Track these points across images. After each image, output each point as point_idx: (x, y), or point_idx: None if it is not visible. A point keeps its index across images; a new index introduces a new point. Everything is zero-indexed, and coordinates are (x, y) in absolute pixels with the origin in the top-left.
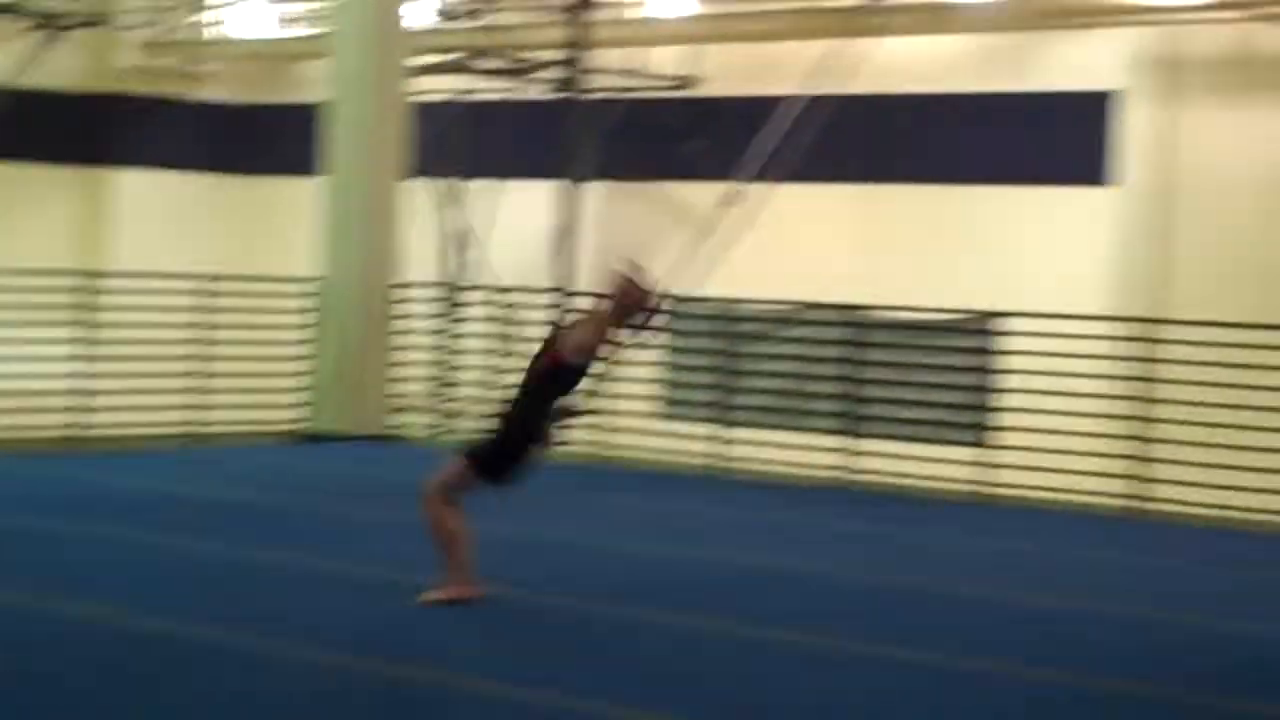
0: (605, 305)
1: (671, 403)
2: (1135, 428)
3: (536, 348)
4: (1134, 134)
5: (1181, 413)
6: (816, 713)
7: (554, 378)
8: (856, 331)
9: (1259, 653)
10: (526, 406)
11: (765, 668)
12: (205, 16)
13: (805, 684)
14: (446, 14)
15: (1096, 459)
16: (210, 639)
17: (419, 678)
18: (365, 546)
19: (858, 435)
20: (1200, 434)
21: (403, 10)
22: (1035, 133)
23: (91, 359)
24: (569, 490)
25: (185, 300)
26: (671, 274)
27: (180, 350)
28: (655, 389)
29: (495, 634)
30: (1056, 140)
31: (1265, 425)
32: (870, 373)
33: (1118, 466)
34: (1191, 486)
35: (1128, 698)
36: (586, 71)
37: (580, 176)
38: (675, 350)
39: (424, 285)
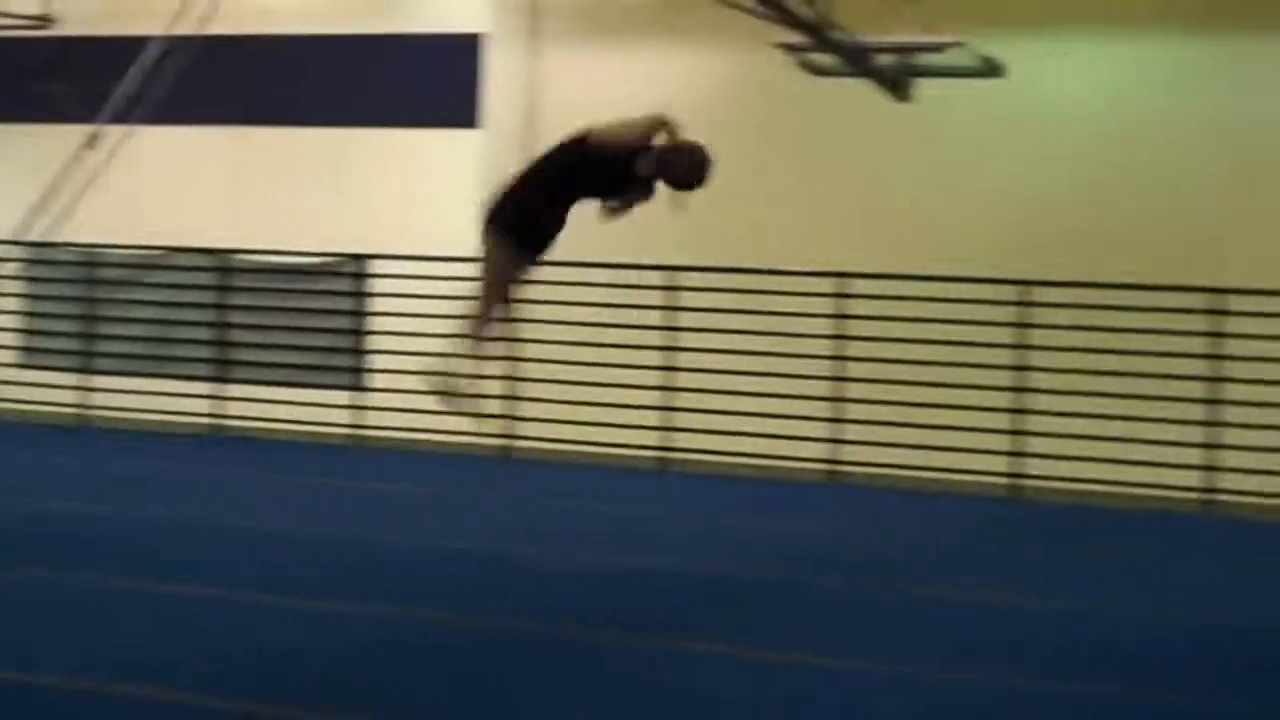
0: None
1: (31, 350)
2: (505, 368)
3: None
4: (499, 77)
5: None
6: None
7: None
8: (225, 276)
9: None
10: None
11: (128, 616)
12: None
13: (149, 631)
14: None
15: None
16: None
17: None
18: None
19: (228, 381)
20: (560, 371)
21: None
22: (404, 75)
23: None
24: None
25: None
26: (30, 219)
27: None
28: (13, 338)
29: None
30: (425, 83)
31: (623, 361)
32: (240, 318)
33: (493, 406)
34: (553, 424)
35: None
36: None
37: None
38: (34, 298)
39: None
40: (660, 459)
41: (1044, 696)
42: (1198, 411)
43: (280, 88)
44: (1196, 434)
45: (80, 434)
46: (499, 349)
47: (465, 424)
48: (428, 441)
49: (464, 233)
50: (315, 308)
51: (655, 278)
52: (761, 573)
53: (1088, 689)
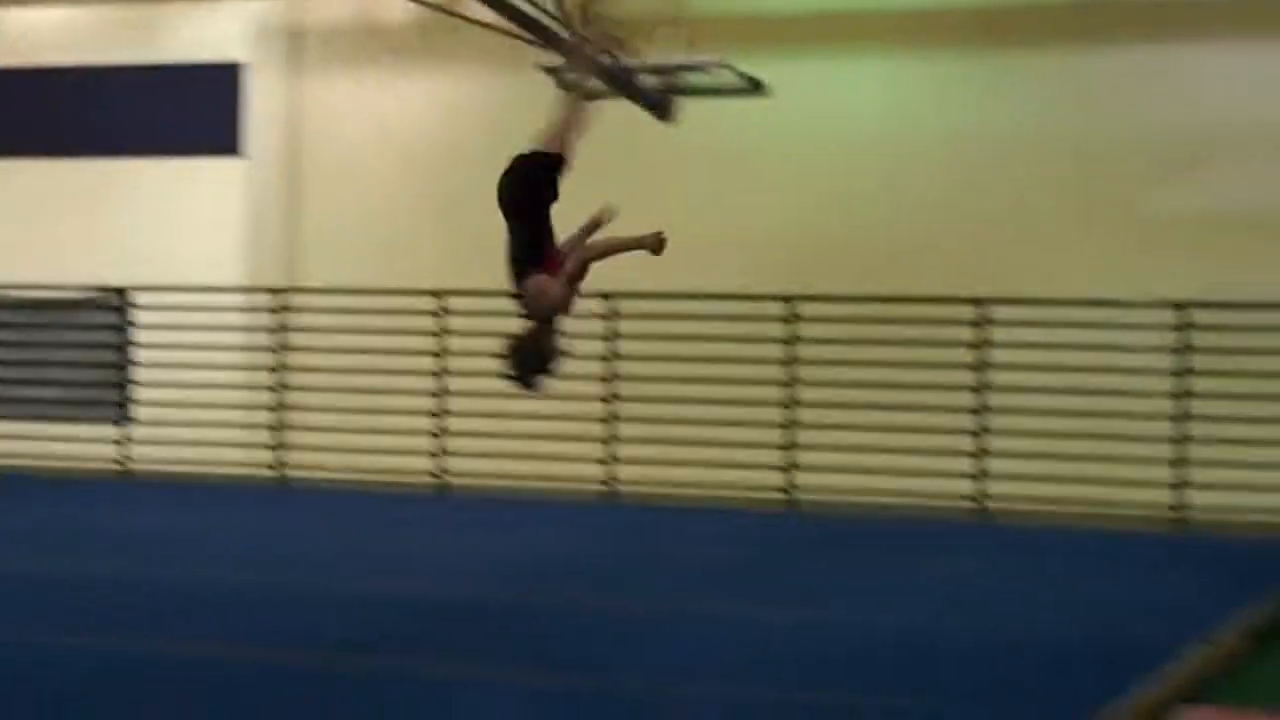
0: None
1: None
2: (276, 396)
3: None
4: (261, 104)
5: (320, 380)
6: None
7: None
8: None
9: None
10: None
11: None
12: None
13: None
14: None
15: (239, 429)
16: None
17: None
18: None
19: None
20: (333, 399)
21: None
22: (167, 104)
23: None
24: None
25: None
26: None
27: None
28: None
29: None
30: (189, 111)
31: (394, 388)
32: (3, 353)
33: (261, 437)
34: (326, 452)
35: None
36: None
37: None
38: None
39: None
40: (438, 483)
41: (787, 708)
42: (967, 420)
43: (38, 119)
44: (966, 442)
45: None
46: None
47: (235, 454)
48: (197, 474)
49: (229, 261)
50: (77, 341)
51: (426, 303)
52: (528, 593)
53: (831, 699)
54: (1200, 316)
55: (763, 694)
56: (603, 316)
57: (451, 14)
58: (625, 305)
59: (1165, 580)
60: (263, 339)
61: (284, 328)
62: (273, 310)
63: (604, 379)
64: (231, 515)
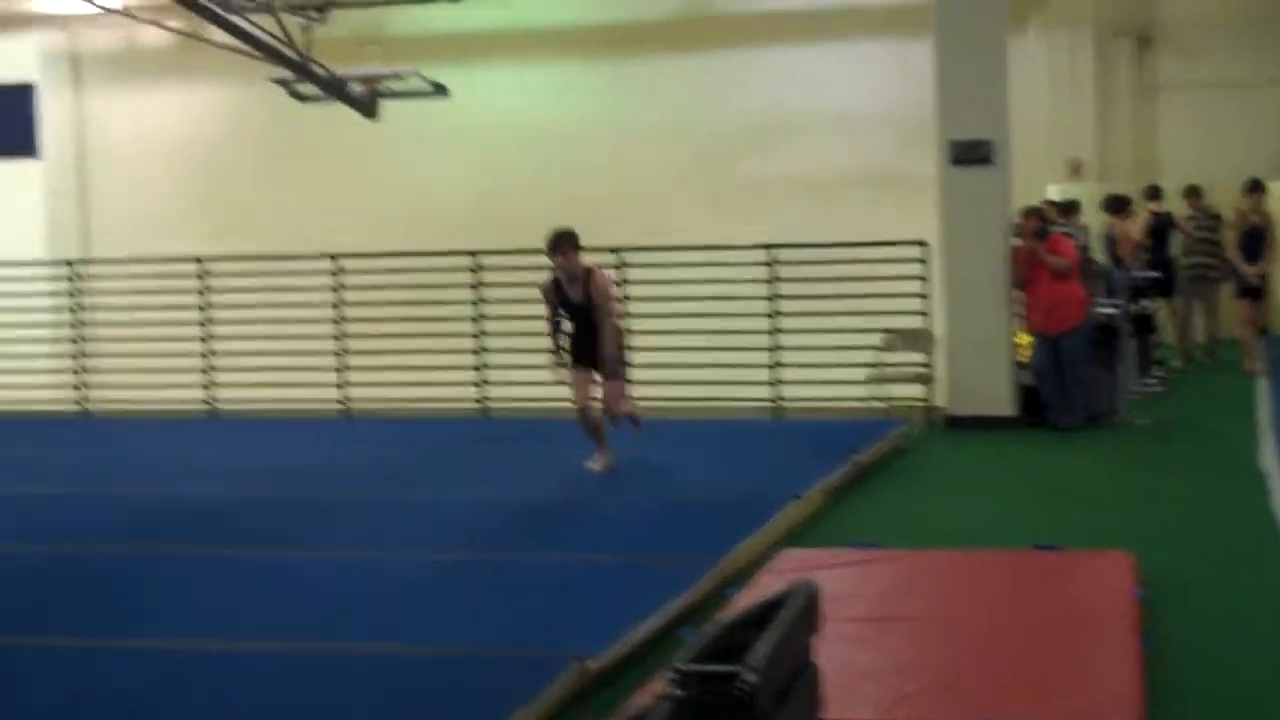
0: None
1: None
2: (76, 347)
3: None
4: (52, 115)
5: (114, 331)
6: None
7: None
8: None
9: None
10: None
11: None
12: None
13: None
14: None
15: (46, 374)
16: None
17: None
18: None
19: None
20: (122, 346)
21: None
22: None
23: None
24: None
25: None
26: None
27: None
28: None
29: None
30: None
31: (171, 336)
32: None
33: (64, 379)
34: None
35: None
36: None
37: None
38: None
39: None
40: (209, 409)
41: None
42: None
43: None
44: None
45: None
46: None
47: (43, 394)
48: (10, 410)
49: (33, 239)
50: None
51: (191, 269)
52: (288, 492)
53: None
54: (784, 255)
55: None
56: (331, 274)
57: (199, 39)
58: (349, 264)
59: (765, 455)
60: (63, 301)
61: (79, 292)
62: (70, 279)
63: (335, 322)
64: (42, 442)
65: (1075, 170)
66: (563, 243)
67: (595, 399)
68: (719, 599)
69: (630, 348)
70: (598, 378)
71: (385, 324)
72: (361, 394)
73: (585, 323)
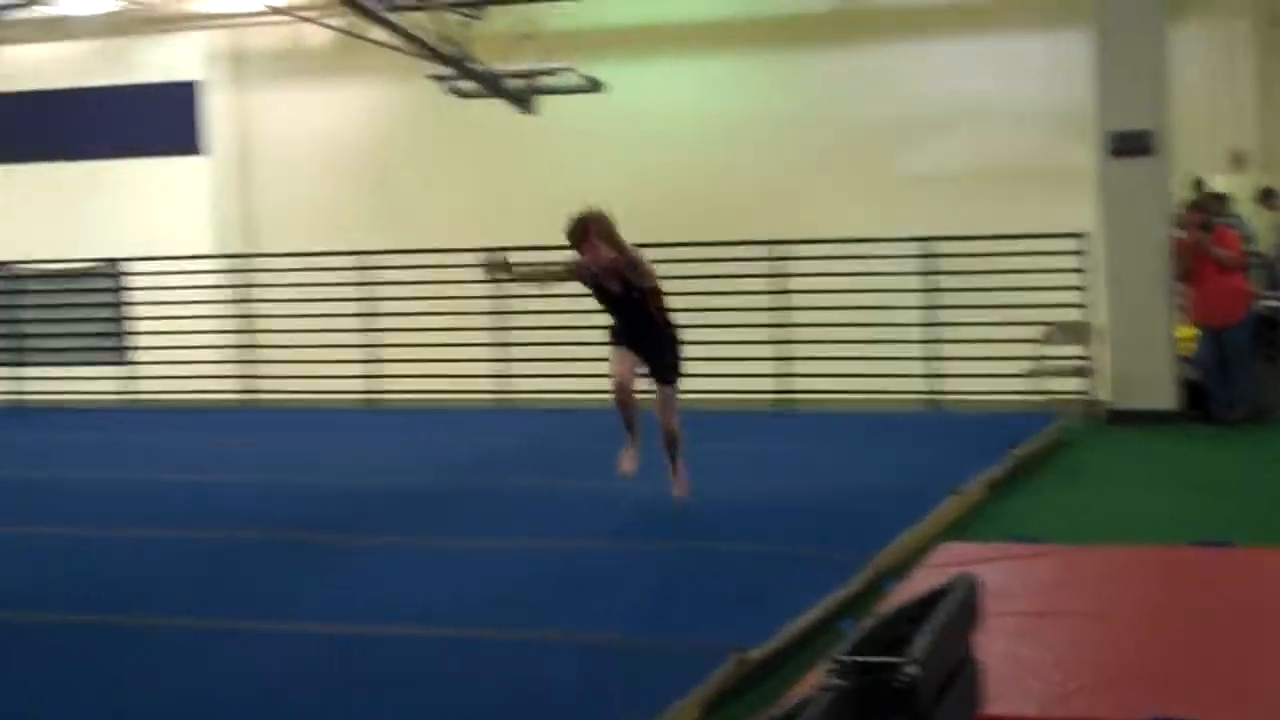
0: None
1: None
2: (244, 338)
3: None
4: (218, 113)
5: (279, 323)
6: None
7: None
8: (10, 281)
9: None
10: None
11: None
12: None
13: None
14: None
15: (215, 365)
16: None
17: None
18: None
19: (23, 364)
20: (286, 338)
21: None
22: (142, 116)
23: None
24: None
25: None
26: None
27: None
28: None
29: None
30: (160, 121)
31: (330, 327)
32: (29, 314)
33: (230, 370)
34: (284, 379)
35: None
36: None
37: None
38: None
39: None
40: (369, 400)
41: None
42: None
43: (42, 131)
44: (768, 351)
45: None
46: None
47: (212, 385)
48: (183, 401)
49: (198, 235)
50: (85, 302)
51: (351, 262)
52: (447, 481)
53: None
54: (941, 248)
55: (601, 544)
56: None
57: (360, 37)
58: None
59: (922, 448)
60: (228, 294)
61: (245, 285)
62: (234, 271)
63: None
64: (210, 433)
65: (1238, 161)
66: (581, 233)
67: (639, 376)
68: (876, 592)
69: (781, 341)
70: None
71: (542, 315)
72: (520, 385)
73: (630, 316)
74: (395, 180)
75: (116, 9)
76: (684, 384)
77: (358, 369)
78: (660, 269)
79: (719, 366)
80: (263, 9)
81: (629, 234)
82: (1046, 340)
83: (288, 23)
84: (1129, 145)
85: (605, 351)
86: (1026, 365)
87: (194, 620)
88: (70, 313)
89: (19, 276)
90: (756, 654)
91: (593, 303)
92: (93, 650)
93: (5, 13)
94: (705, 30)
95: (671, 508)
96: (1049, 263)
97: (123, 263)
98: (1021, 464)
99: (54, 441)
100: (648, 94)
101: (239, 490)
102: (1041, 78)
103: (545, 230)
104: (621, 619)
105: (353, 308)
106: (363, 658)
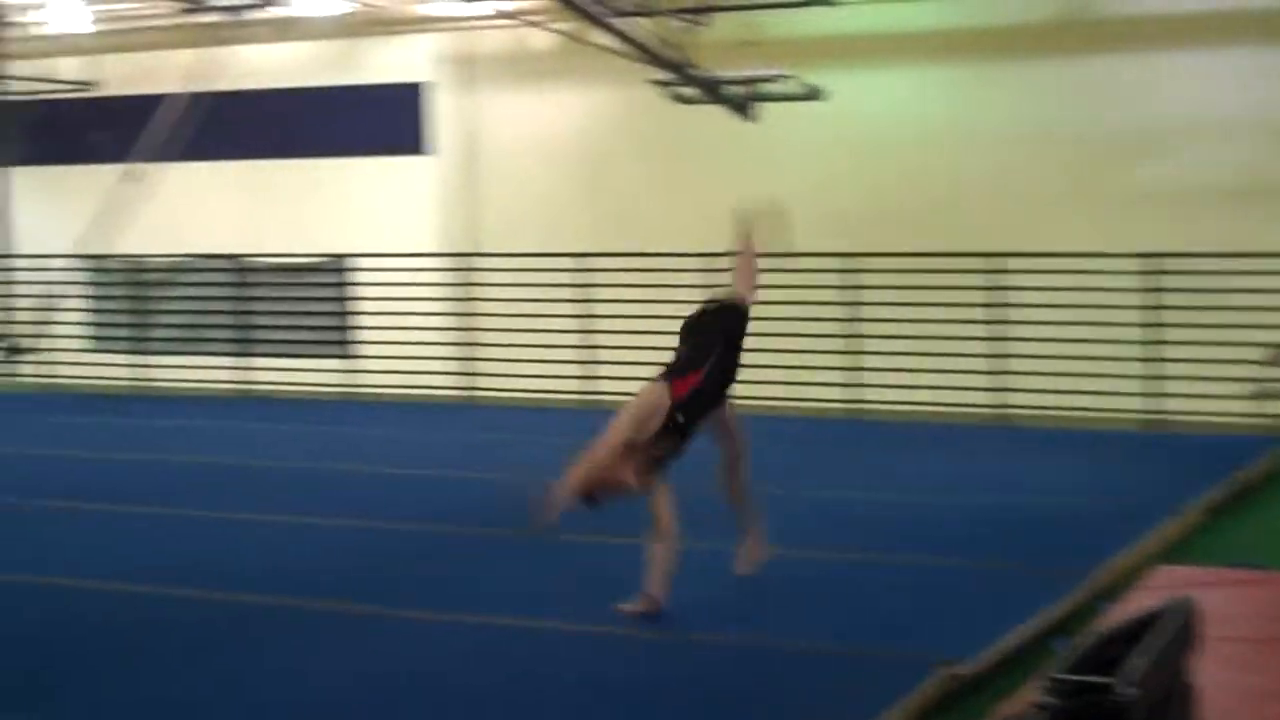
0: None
1: (99, 339)
2: (464, 335)
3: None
4: (443, 114)
5: (500, 322)
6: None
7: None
8: (242, 274)
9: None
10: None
11: (227, 537)
12: None
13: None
14: None
15: (436, 360)
16: None
17: None
18: None
19: (250, 355)
20: (508, 337)
21: None
22: (369, 116)
23: None
24: (20, 413)
25: None
26: (89, 237)
27: None
28: (85, 329)
29: None
30: (385, 121)
31: (551, 328)
32: (257, 305)
33: (451, 365)
34: (507, 378)
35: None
36: (3, 77)
37: (6, 162)
38: (99, 297)
39: None
40: (586, 400)
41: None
42: (986, 346)
43: (273, 128)
44: (985, 364)
45: (134, 401)
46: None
47: (433, 380)
48: (402, 395)
49: (422, 232)
50: (311, 296)
51: (571, 263)
52: None
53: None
54: (1166, 264)
55: (814, 553)
56: (701, 271)
57: (584, 42)
58: (722, 262)
59: (1140, 467)
60: (449, 291)
61: (467, 283)
62: (457, 269)
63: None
64: (430, 426)
65: None
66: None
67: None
68: (1090, 613)
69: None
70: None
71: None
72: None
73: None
74: (614, 183)
75: (348, 10)
76: (902, 395)
77: (573, 369)
78: (877, 279)
79: (934, 379)
80: (489, 13)
81: (847, 243)
82: (1272, 362)
83: (513, 26)
84: None
85: (831, 362)
86: (1249, 387)
87: (418, 612)
88: (297, 306)
89: (250, 269)
90: (965, 669)
91: (800, 310)
92: (315, 635)
93: (241, 13)
94: (928, 39)
95: (888, 519)
96: (1276, 283)
97: (348, 258)
98: (1244, 487)
99: (278, 431)
100: (868, 102)
101: (442, 486)
102: (1274, 93)
103: (764, 235)
104: (831, 628)
105: (570, 309)
106: (565, 655)
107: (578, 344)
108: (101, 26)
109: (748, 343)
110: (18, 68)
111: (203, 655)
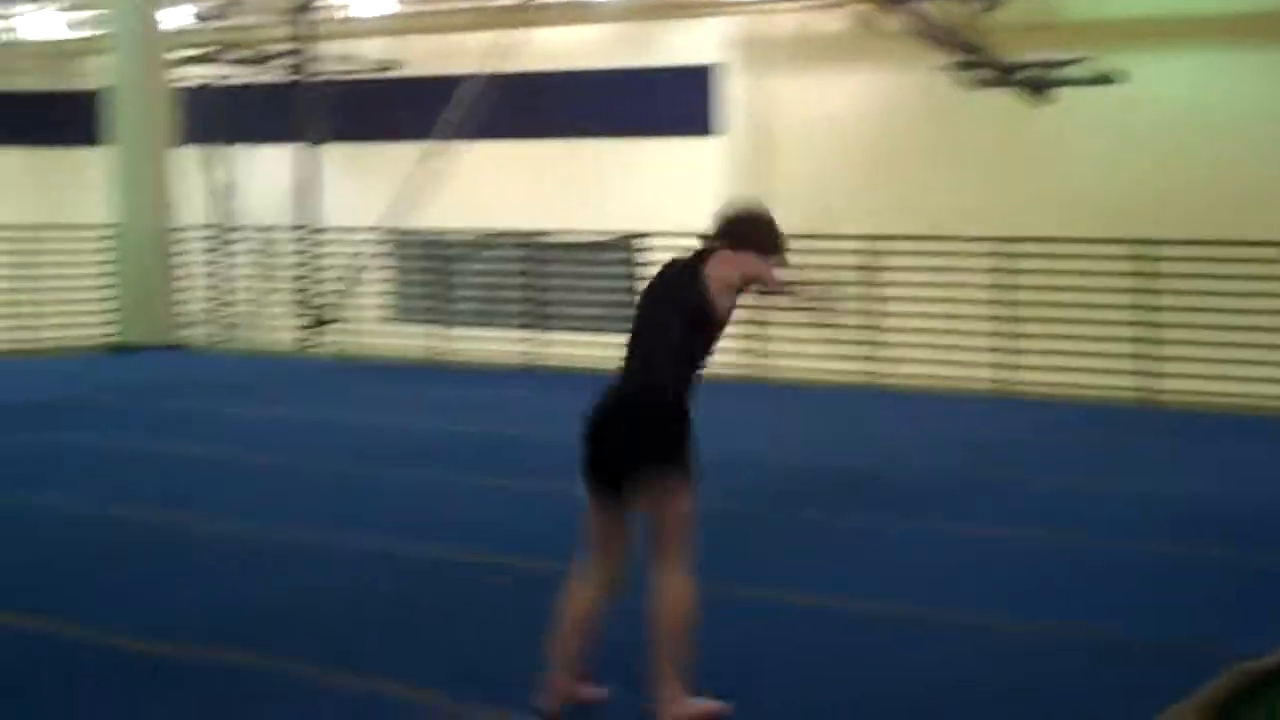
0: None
1: (400, 310)
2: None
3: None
4: (733, 96)
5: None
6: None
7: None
8: (535, 251)
9: None
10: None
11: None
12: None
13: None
14: (201, 16)
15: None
16: None
17: None
18: None
19: (542, 330)
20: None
21: (162, 14)
22: (659, 97)
23: None
24: (327, 380)
25: None
26: (391, 212)
27: None
28: (386, 300)
29: (267, 490)
30: (675, 103)
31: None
32: (547, 282)
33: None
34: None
35: None
36: (312, 59)
37: (315, 140)
38: (400, 270)
39: (197, 228)
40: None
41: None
42: None
43: (566, 109)
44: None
45: (431, 371)
46: None
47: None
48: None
49: (709, 213)
50: (599, 273)
51: (856, 245)
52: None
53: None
54: None
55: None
56: (995, 255)
57: (873, 25)
58: (1021, 247)
59: None
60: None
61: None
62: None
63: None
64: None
65: None
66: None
67: None
68: None
69: None
70: None
71: (1042, 309)
72: (1024, 376)
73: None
74: (903, 166)
75: None
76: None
77: (860, 350)
78: (1175, 267)
79: (1224, 369)
80: None
81: (1136, 230)
82: None
83: (804, 10)
84: None
85: (1119, 349)
86: None
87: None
88: (586, 283)
89: (543, 246)
90: (1257, 665)
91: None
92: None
93: None
94: (1229, 21)
95: (1179, 510)
96: None
97: (638, 238)
98: None
99: (567, 404)
100: (1165, 86)
101: (750, 466)
102: None
103: (1056, 221)
104: (1127, 618)
105: (855, 291)
106: (864, 635)
107: (867, 325)
108: (403, 8)
109: (1038, 329)
110: (326, 50)
111: None
